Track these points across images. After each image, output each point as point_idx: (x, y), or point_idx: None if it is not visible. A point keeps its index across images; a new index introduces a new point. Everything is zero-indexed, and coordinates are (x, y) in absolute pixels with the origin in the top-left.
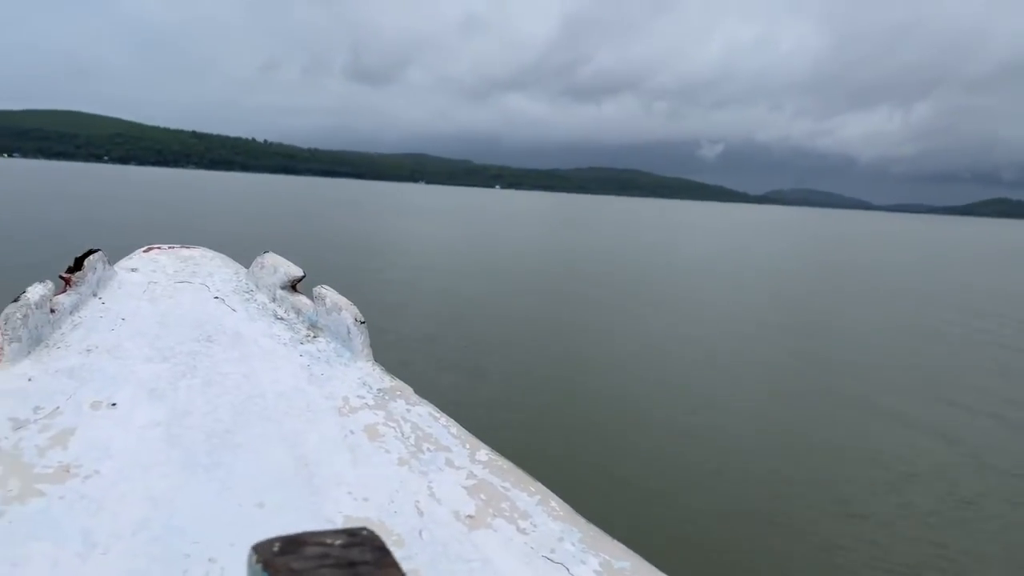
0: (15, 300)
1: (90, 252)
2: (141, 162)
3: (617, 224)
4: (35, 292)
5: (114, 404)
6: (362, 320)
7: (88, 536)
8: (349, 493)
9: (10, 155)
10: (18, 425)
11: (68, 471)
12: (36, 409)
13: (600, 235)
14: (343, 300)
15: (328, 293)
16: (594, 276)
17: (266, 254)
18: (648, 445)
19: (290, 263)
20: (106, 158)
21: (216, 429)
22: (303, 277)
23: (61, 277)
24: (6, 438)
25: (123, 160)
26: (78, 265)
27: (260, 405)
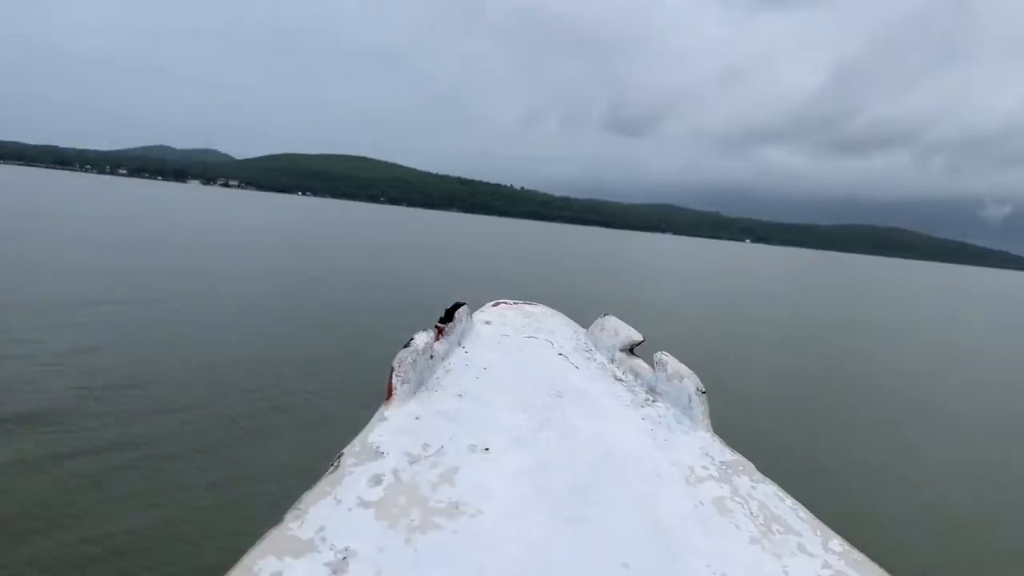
0: (406, 346)
1: (458, 305)
2: (411, 204)
3: (900, 290)
4: (421, 340)
5: (487, 449)
6: (703, 390)
7: (481, 572)
8: (708, 566)
9: (303, 193)
10: (412, 460)
11: (457, 508)
12: (424, 446)
13: (888, 301)
14: (684, 368)
15: (669, 360)
16: (905, 346)
17: (606, 316)
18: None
19: (630, 327)
20: (382, 199)
21: (576, 484)
22: (642, 342)
23: (436, 327)
24: (404, 471)
25: (395, 201)
26: (449, 316)
27: (610, 464)
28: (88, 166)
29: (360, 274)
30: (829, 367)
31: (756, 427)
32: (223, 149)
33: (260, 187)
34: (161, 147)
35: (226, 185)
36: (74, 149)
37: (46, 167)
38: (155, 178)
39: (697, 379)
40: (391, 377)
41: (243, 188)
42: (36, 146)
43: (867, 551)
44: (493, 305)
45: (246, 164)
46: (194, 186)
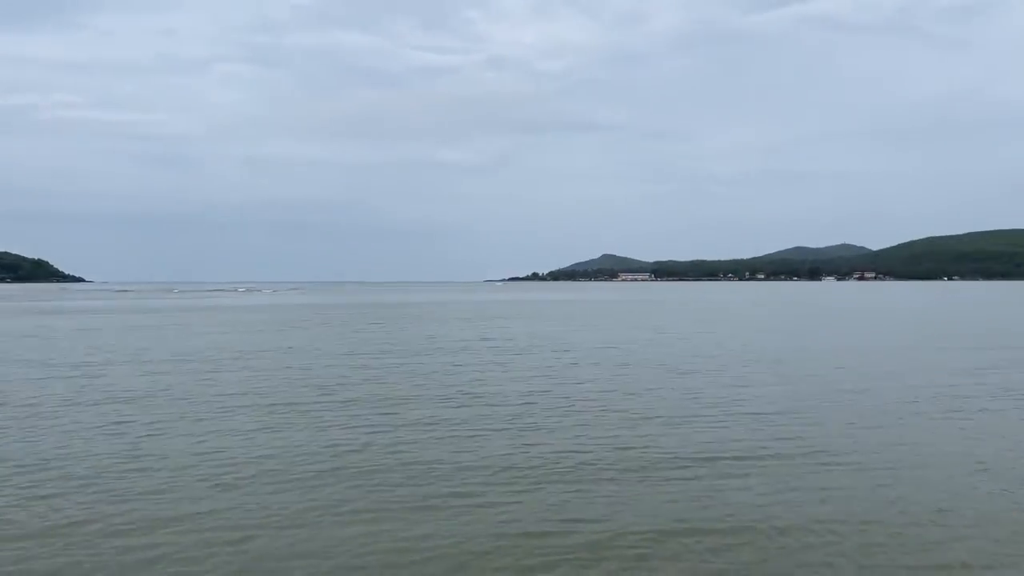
0: None
1: None
2: None
3: None
4: None
5: None
6: None
7: None
8: None
9: (950, 278)
10: None
11: None
12: None
13: None
14: None
15: None
16: None
17: None
18: None
19: None
20: None
21: None
22: None
23: None
24: None
25: None
26: None
27: None
28: (730, 274)
29: None
30: None
31: None
32: (858, 243)
33: (898, 276)
34: (798, 248)
35: (861, 278)
36: (720, 261)
37: (697, 279)
38: (791, 278)
39: None
40: None
41: (880, 279)
42: (687, 261)
43: None
44: None
45: (882, 254)
46: (828, 282)
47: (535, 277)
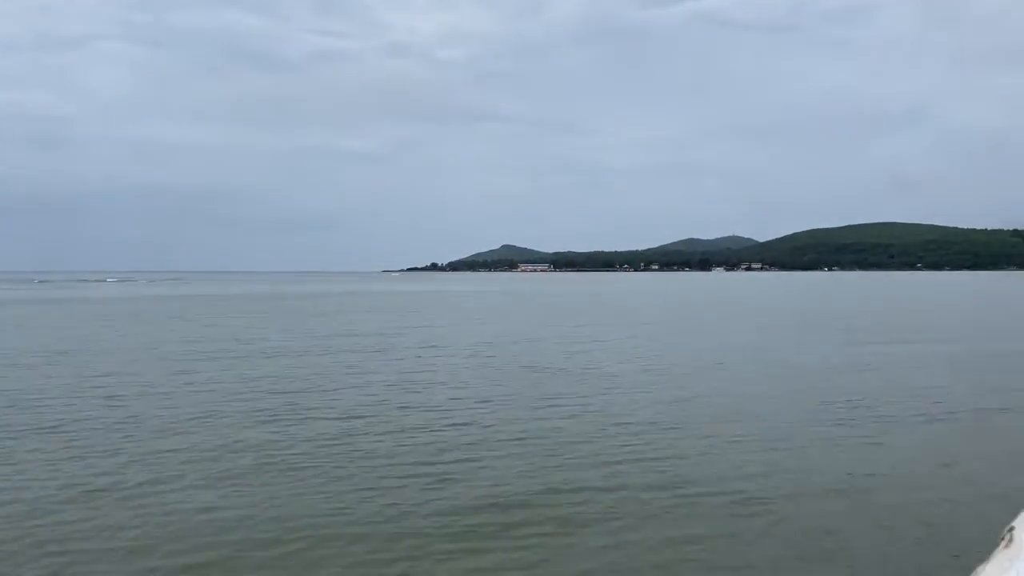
0: None
1: None
2: (955, 267)
3: None
4: None
5: None
6: None
7: None
8: None
9: (830, 269)
10: None
11: None
12: None
13: None
14: None
15: None
16: None
17: None
18: None
19: None
20: (919, 265)
21: None
22: None
23: None
24: None
25: (936, 266)
26: None
27: None
28: (626, 265)
29: None
30: None
31: None
32: (746, 234)
33: (784, 267)
34: (689, 240)
35: (749, 268)
36: (617, 252)
37: (595, 270)
38: (683, 269)
39: None
40: None
41: (766, 270)
42: (585, 252)
43: None
44: None
45: (768, 246)
46: (718, 272)
47: (434, 267)
